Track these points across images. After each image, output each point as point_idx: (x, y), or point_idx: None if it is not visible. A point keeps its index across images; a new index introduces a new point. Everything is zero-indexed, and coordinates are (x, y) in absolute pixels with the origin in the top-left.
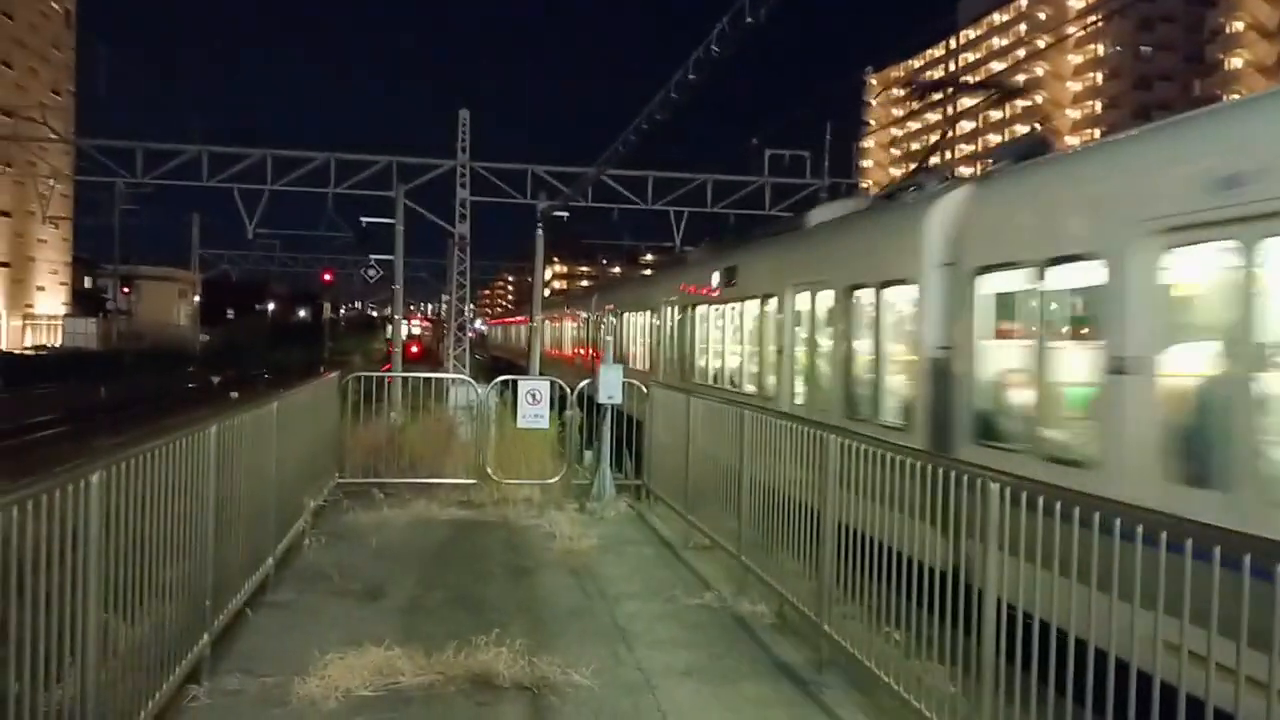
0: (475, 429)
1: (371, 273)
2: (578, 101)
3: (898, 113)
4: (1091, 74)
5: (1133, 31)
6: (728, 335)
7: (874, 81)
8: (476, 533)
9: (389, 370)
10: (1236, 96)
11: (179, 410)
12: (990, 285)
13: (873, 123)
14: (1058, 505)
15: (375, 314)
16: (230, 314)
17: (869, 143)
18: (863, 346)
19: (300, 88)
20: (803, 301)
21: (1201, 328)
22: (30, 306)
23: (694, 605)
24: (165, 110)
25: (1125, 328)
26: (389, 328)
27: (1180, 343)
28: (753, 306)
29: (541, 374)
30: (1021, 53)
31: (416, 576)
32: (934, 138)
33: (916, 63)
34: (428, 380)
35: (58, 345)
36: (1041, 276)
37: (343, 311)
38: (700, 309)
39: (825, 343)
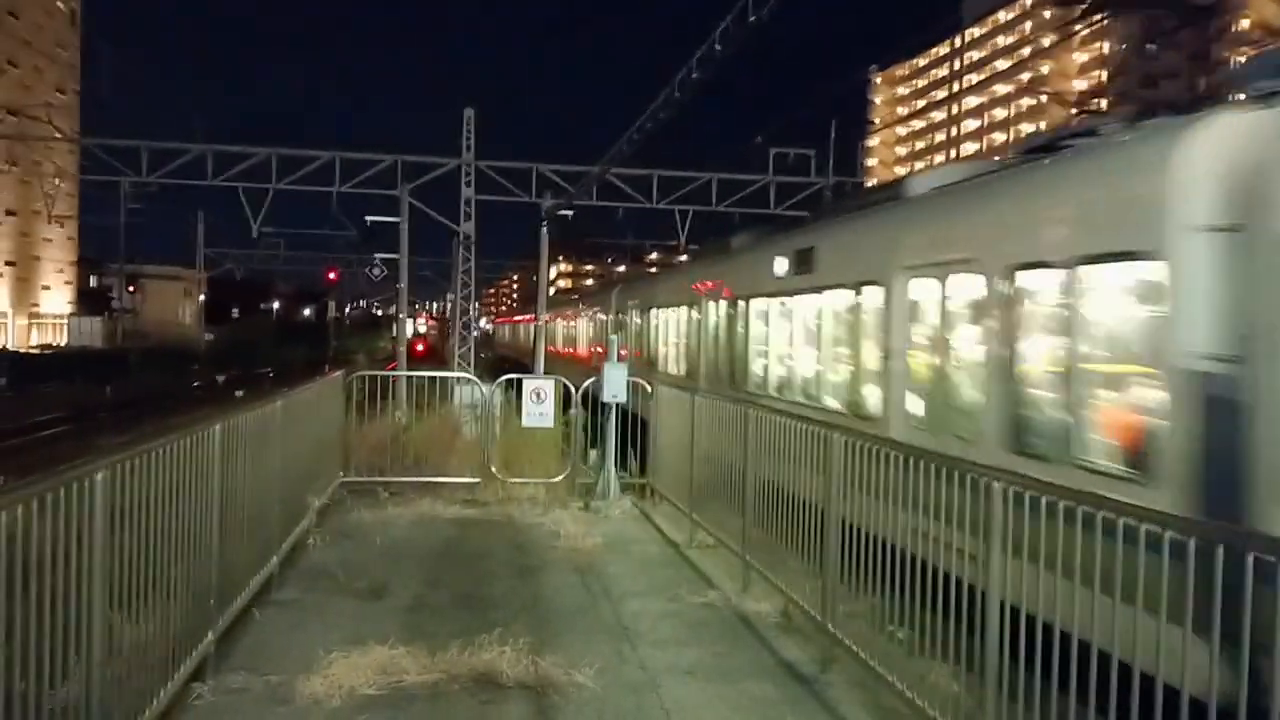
0: (480, 428)
1: (376, 271)
2: (582, 100)
3: (903, 111)
4: (1097, 71)
5: (1139, 29)
6: (797, 335)
7: (879, 80)
8: (481, 531)
9: (395, 369)
10: None
11: (184, 409)
12: None
13: (877, 121)
14: (1061, 506)
15: (380, 313)
16: (235, 313)
17: (874, 141)
18: (1038, 350)
19: (305, 86)
20: (923, 289)
21: None
22: (36, 306)
23: (698, 604)
24: (170, 109)
25: None
26: (395, 326)
27: None
28: (839, 298)
29: (555, 375)
30: (1026, 50)
31: (421, 575)
32: (939, 137)
33: (921, 61)
34: (433, 379)
35: (63, 344)
36: None
37: (348, 310)
38: (757, 303)
39: (965, 345)
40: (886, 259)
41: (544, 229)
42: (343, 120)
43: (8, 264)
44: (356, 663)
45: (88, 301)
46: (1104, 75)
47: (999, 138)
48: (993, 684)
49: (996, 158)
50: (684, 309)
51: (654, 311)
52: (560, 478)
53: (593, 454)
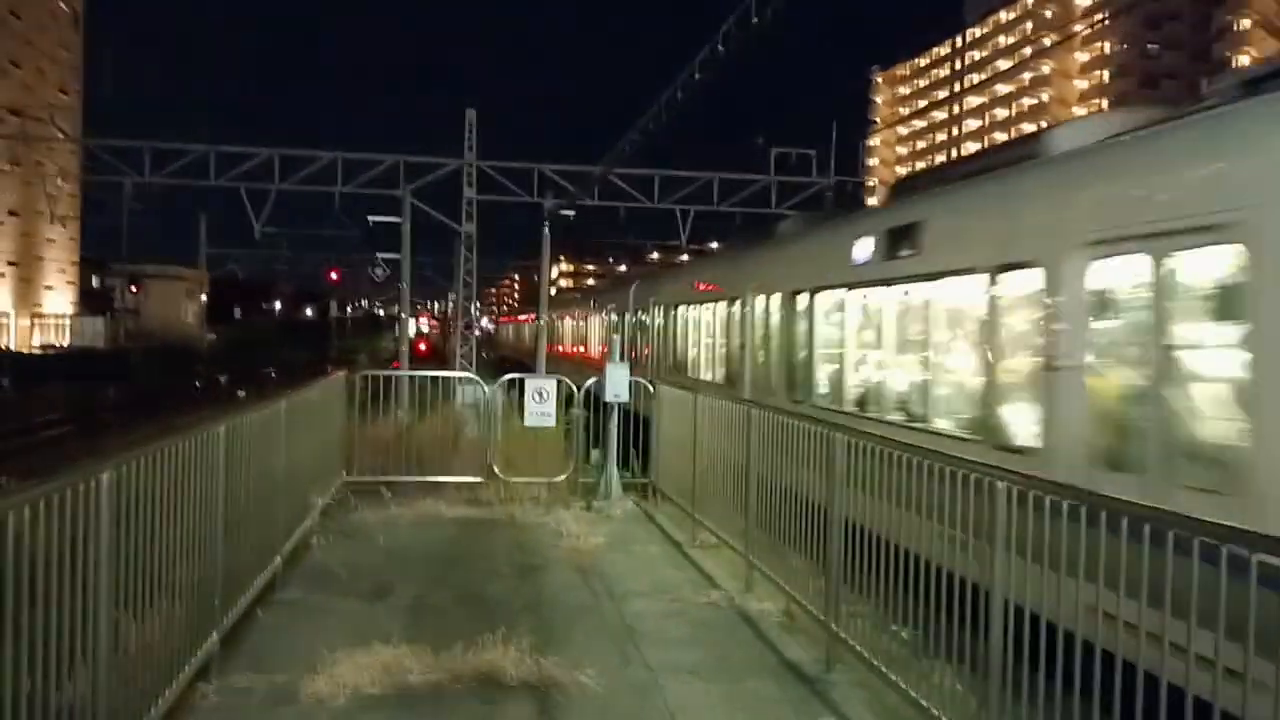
0: (482, 428)
1: (379, 271)
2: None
3: (904, 111)
4: (1098, 71)
5: (1140, 29)
6: (889, 334)
7: (880, 80)
8: (483, 531)
9: (398, 368)
10: None
11: (187, 409)
12: None
13: (879, 121)
14: (1065, 505)
15: (382, 313)
16: (237, 313)
17: (874, 141)
18: None
19: (308, 88)
20: (1115, 271)
21: None
22: (38, 306)
23: (701, 604)
24: (172, 109)
25: None
26: (397, 326)
27: None
28: (964, 287)
29: (563, 378)
30: (1028, 50)
31: (424, 575)
32: (940, 136)
33: (923, 60)
34: (435, 379)
35: (66, 345)
36: None
37: (349, 310)
38: (827, 298)
39: (1198, 349)
40: (1051, 231)
41: (545, 229)
42: (344, 121)
43: (10, 264)
44: (360, 662)
45: (90, 302)
46: (1105, 75)
47: (1000, 137)
48: (997, 684)
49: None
50: (720, 306)
51: (681, 310)
52: (562, 477)
53: (595, 453)
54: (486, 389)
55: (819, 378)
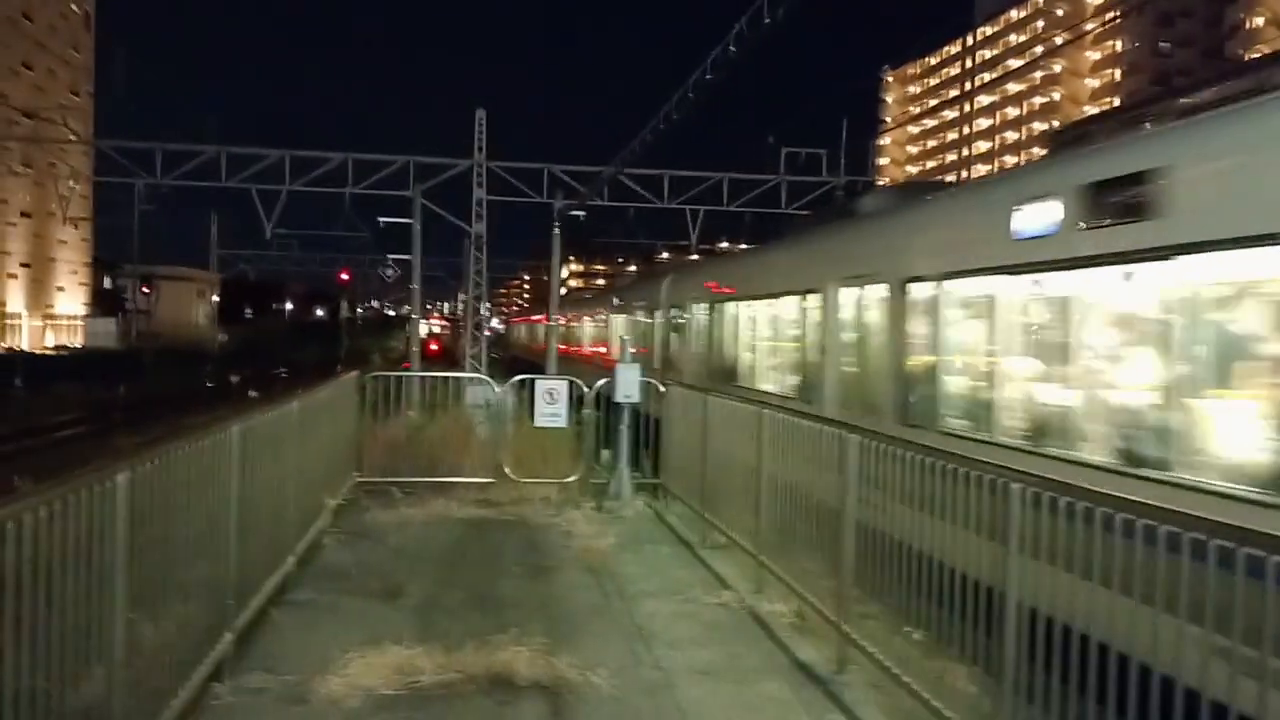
0: (493, 428)
1: (389, 272)
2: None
3: (914, 110)
4: (1110, 70)
5: (1151, 27)
6: (1096, 337)
7: (890, 79)
8: (494, 531)
9: (409, 369)
10: None
11: (198, 409)
12: None
13: (889, 120)
14: (1079, 508)
15: (393, 313)
16: (249, 313)
17: (885, 140)
18: None
19: (318, 88)
20: None
21: None
22: (51, 307)
23: (712, 604)
24: (183, 110)
25: None
26: (408, 326)
27: None
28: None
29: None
30: (1039, 49)
31: (435, 575)
32: (951, 135)
33: (933, 60)
34: (445, 379)
35: (78, 345)
36: None
37: (360, 311)
38: (968, 286)
39: None
40: None
41: (555, 229)
42: (355, 121)
43: (23, 266)
44: (373, 663)
45: (102, 303)
46: (1117, 73)
47: (1011, 136)
48: (1010, 686)
49: None
50: (787, 303)
51: (730, 308)
52: (573, 478)
53: (605, 454)
54: (497, 389)
55: (952, 393)
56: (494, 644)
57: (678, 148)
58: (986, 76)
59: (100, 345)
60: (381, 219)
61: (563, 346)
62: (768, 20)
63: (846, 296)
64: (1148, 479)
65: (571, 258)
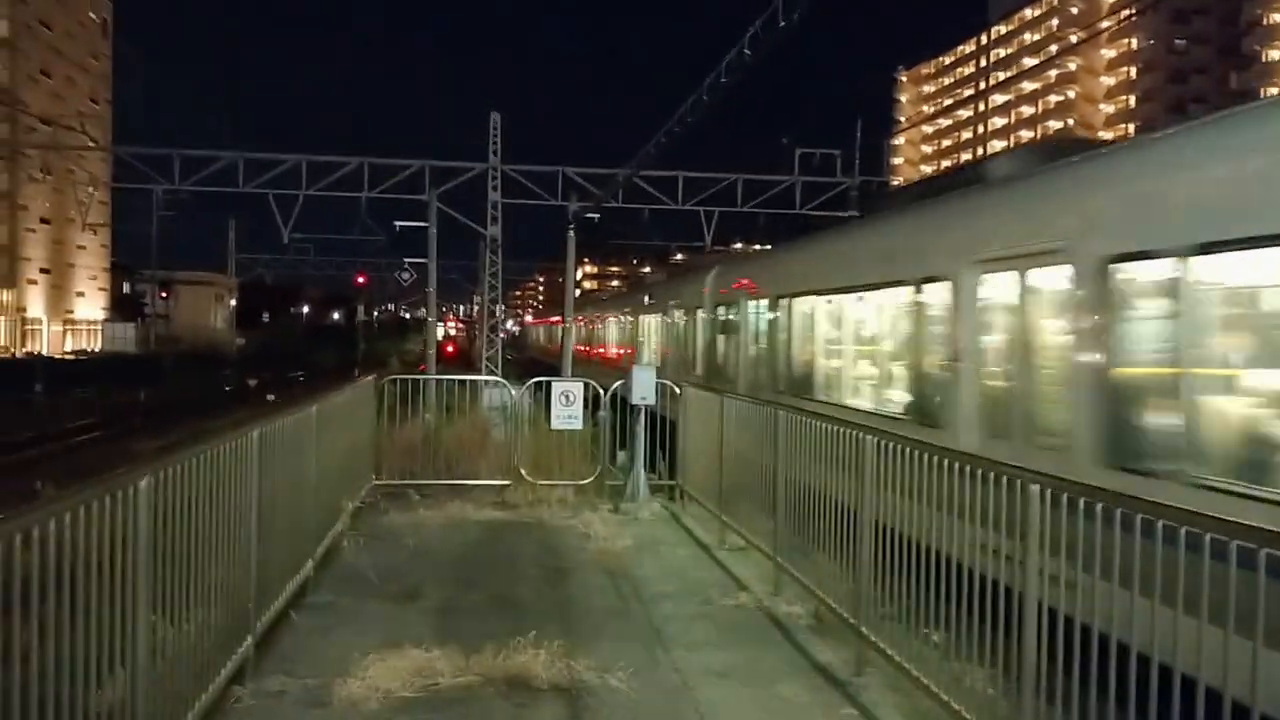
0: (509, 430)
1: (405, 275)
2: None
3: (928, 110)
4: (1125, 68)
5: (1167, 24)
6: None
7: (904, 79)
8: (511, 534)
9: (425, 371)
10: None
11: (217, 413)
12: None
13: (903, 120)
14: (1099, 508)
15: (408, 316)
16: (266, 317)
17: (899, 140)
18: None
19: (334, 93)
20: None
21: None
22: (70, 312)
23: (730, 606)
24: (200, 116)
25: None
26: (425, 329)
27: None
28: None
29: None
30: (1054, 47)
31: (453, 578)
32: (965, 135)
33: (947, 59)
34: (462, 382)
35: (97, 350)
36: None
37: (376, 314)
38: (1220, 269)
39: None
40: None
41: (570, 232)
42: (369, 125)
43: (43, 271)
44: (392, 665)
45: (121, 308)
46: (1132, 71)
47: (1026, 135)
48: (1030, 688)
49: None
50: (896, 297)
51: (803, 305)
52: (589, 480)
53: (621, 455)
54: (513, 392)
55: (1211, 425)
56: (512, 646)
57: (692, 149)
58: (1001, 75)
59: (119, 350)
60: (397, 223)
61: (585, 348)
62: (782, 23)
63: (994, 284)
64: None
65: (585, 260)
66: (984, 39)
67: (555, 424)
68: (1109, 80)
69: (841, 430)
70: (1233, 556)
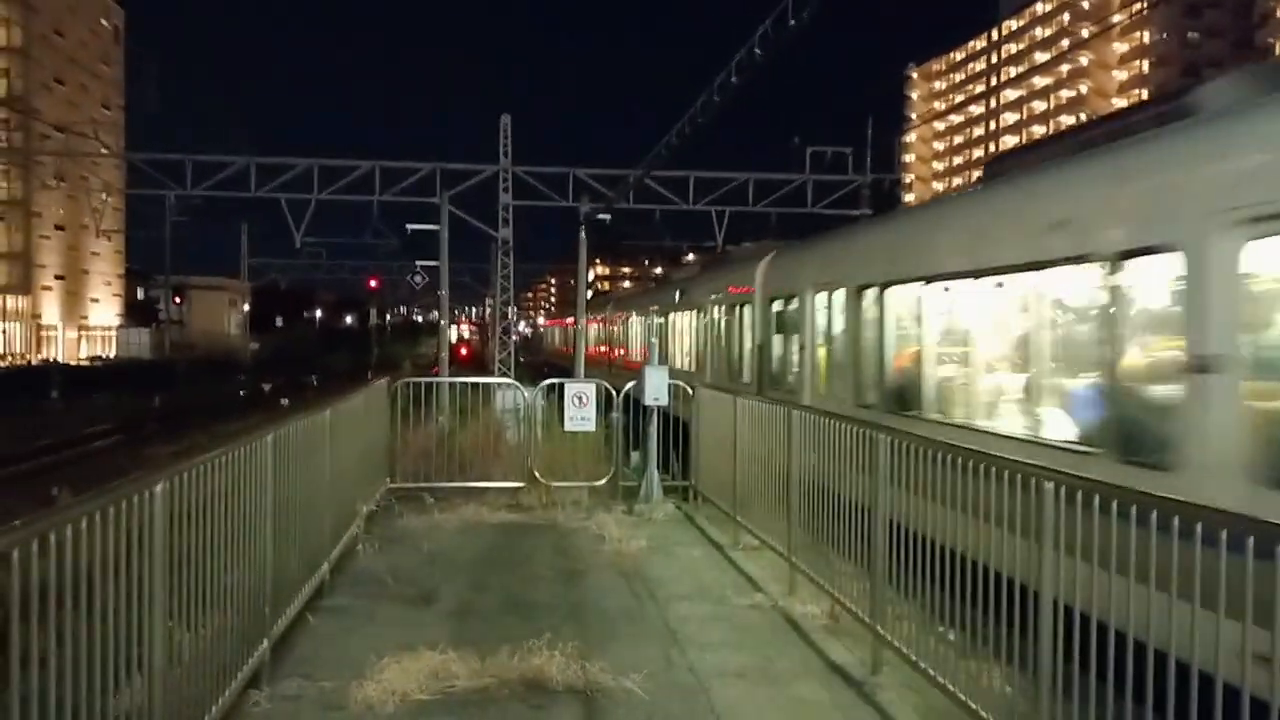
0: (522, 433)
1: (417, 278)
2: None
3: (939, 106)
4: (1137, 61)
5: (1179, 18)
6: None
7: (915, 76)
8: (526, 536)
9: (438, 374)
10: None
11: (232, 417)
12: None
13: (915, 117)
14: (1114, 504)
15: (421, 319)
16: (279, 322)
17: (911, 137)
18: None
19: (345, 97)
20: None
21: None
22: (85, 318)
23: (745, 606)
24: (212, 122)
25: None
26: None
27: None
28: None
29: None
30: (1065, 43)
31: (468, 580)
32: (977, 131)
33: (958, 55)
34: (475, 385)
35: (112, 356)
36: None
37: (389, 317)
38: None
39: None
40: None
41: (582, 233)
42: (381, 128)
43: (57, 278)
44: (408, 668)
45: (135, 313)
46: (1145, 65)
47: (1038, 130)
48: (1047, 685)
49: None
50: (1060, 283)
51: (898, 296)
52: (603, 481)
53: (634, 456)
54: (526, 394)
55: None
56: (527, 648)
57: (702, 149)
58: (1012, 71)
59: (134, 355)
60: (409, 226)
61: (605, 349)
62: (792, 22)
63: (1267, 252)
64: None
65: (597, 260)
66: (995, 35)
67: (569, 426)
68: (1121, 75)
69: (855, 429)
70: (1249, 550)
